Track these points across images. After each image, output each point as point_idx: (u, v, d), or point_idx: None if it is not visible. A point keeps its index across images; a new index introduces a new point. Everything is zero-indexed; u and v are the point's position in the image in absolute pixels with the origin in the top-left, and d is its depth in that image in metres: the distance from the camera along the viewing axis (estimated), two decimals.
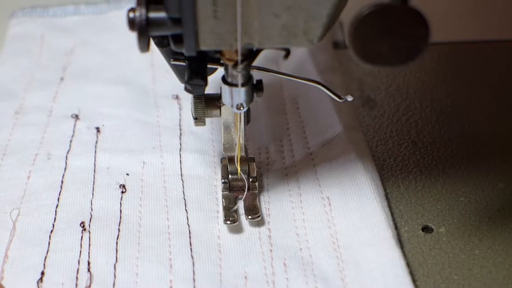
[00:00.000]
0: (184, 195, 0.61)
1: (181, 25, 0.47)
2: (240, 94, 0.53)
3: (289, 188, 0.61)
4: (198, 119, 0.58)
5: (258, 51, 0.53)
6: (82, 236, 0.57)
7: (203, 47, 0.48)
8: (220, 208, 0.59)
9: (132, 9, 0.47)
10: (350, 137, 0.65)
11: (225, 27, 0.47)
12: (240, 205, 0.59)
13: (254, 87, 0.55)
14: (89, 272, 0.54)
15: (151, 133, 0.68)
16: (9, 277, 0.54)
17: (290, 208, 0.59)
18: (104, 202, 0.60)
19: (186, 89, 0.53)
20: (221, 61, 0.53)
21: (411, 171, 0.63)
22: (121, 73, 0.76)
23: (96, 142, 0.67)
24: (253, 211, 0.58)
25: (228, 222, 0.57)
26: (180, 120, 0.69)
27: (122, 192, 0.61)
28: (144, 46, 0.48)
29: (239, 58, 0.51)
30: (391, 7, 0.44)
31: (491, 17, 0.83)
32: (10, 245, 0.56)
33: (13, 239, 0.57)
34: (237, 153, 0.59)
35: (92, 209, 0.60)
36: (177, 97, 0.72)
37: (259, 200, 0.59)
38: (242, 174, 0.59)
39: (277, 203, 0.60)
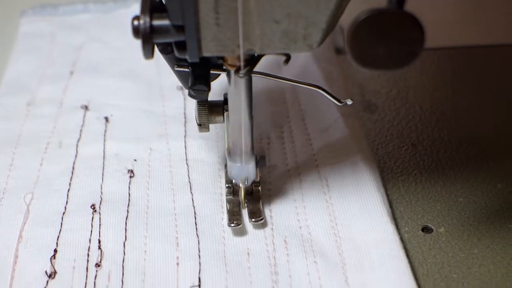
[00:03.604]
0: (189, 178, 0.64)
1: (184, 32, 0.48)
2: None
3: (288, 166, 0.64)
4: (202, 125, 0.59)
5: (260, 57, 0.54)
6: (92, 217, 0.60)
7: (206, 53, 0.49)
8: (224, 191, 0.62)
9: (136, 17, 0.48)
10: (347, 123, 0.68)
11: (227, 33, 0.48)
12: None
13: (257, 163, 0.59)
14: (99, 250, 0.57)
15: (157, 121, 0.71)
16: (23, 255, 0.57)
17: (291, 195, 0.62)
18: (113, 186, 0.63)
19: (189, 95, 0.54)
20: (224, 67, 0.54)
21: (411, 173, 0.64)
22: (128, 68, 0.79)
23: (105, 131, 0.70)
24: (256, 214, 0.59)
25: (232, 225, 0.58)
26: (184, 109, 0.72)
27: (131, 177, 0.64)
28: (148, 53, 0.49)
29: (242, 63, 0.52)
30: (387, 13, 0.45)
31: (490, 22, 0.84)
32: (24, 226, 0.59)
33: (27, 221, 0.60)
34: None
35: (102, 193, 0.63)
36: (181, 88, 0.75)
37: (262, 203, 0.61)
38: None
39: (279, 191, 0.62)
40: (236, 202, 0.60)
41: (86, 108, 0.73)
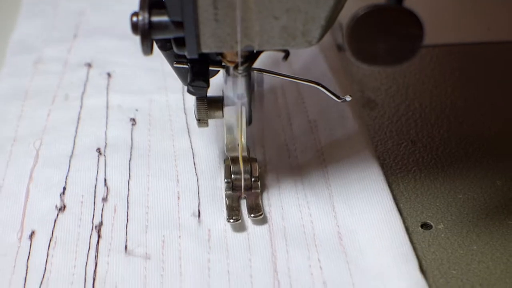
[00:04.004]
0: (187, 125, 0.69)
1: (183, 28, 0.48)
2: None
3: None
4: (201, 121, 0.59)
5: (259, 53, 0.54)
6: (98, 159, 0.65)
7: (205, 50, 0.49)
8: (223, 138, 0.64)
9: (135, 14, 0.48)
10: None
11: (226, 29, 0.48)
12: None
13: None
14: (105, 186, 0.62)
15: (157, 76, 0.76)
16: (34, 194, 0.62)
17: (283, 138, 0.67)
18: (117, 133, 0.68)
19: (188, 91, 0.54)
20: (223, 63, 0.54)
21: (411, 169, 0.64)
22: (129, 30, 0.80)
23: (108, 85, 0.75)
24: (256, 210, 0.59)
25: (231, 220, 0.58)
26: None
27: (133, 125, 0.70)
28: (147, 50, 0.49)
29: (240, 60, 0.52)
30: (386, 8, 0.45)
31: (490, 19, 0.84)
32: (34, 168, 0.64)
33: (37, 164, 0.65)
34: (240, 152, 0.60)
35: (106, 138, 0.68)
36: None
37: (261, 198, 0.61)
38: (244, 174, 0.61)
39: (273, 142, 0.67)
40: (235, 197, 0.60)
41: (89, 65, 0.78)
